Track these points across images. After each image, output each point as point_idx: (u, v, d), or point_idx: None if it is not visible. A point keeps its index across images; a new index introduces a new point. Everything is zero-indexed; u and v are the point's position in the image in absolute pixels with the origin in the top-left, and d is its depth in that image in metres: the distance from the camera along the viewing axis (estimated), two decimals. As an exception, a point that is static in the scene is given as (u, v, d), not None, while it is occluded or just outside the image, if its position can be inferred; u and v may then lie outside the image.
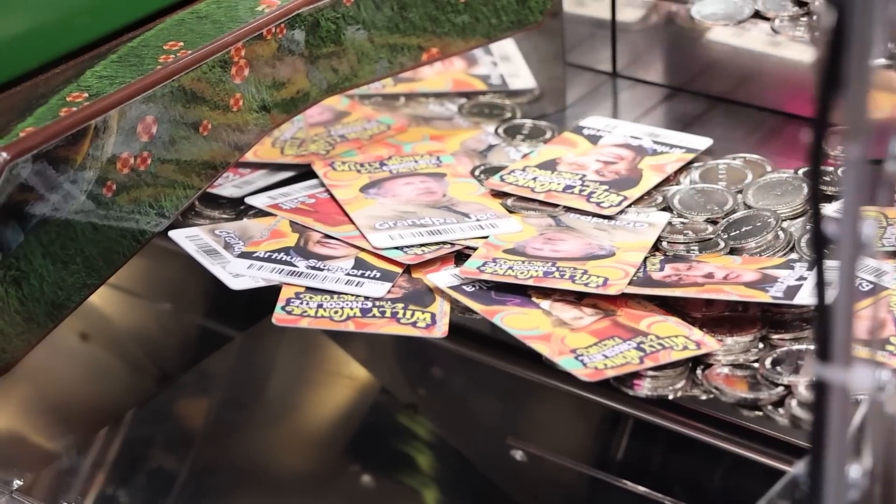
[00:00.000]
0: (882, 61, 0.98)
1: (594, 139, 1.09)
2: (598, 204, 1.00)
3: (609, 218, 0.99)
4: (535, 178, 1.03)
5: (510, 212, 1.01)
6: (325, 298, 0.92)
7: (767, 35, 1.09)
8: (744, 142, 1.10)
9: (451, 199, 1.02)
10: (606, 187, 1.02)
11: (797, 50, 1.08)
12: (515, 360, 0.95)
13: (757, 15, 1.11)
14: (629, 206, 1.00)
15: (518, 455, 1.03)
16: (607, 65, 1.21)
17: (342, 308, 0.91)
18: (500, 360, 0.97)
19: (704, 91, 1.16)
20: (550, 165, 1.05)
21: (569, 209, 1.00)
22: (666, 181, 1.04)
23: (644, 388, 0.85)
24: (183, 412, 1.16)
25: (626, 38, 1.19)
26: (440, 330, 0.89)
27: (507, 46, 1.23)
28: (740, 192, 1.02)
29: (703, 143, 1.07)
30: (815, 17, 1.05)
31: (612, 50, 1.20)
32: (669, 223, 0.98)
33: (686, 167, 1.05)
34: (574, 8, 1.21)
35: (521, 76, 1.21)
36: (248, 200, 1.04)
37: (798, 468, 0.61)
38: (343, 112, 1.15)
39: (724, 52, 1.13)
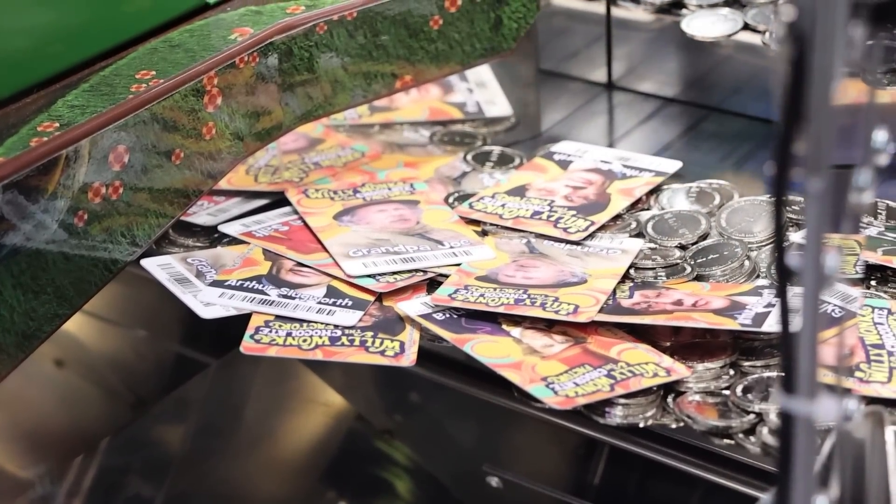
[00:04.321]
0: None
1: (564, 164, 1.09)
2: (565, 229, 1.00)
3: (577, 244, 0.99)
4: (503, 205, 1.03)
5: (484, 236, 1.01)
6: (295, 327, 0.92)
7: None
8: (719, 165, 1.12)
9: (425, 227, 1.02)
10: (574, 212, 1.02)
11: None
12: (491, 387, 0.95)
13: (747, 27, 1.13)
14: (596, 230, 1.00)
15: (494, 482, 1.03)
16: (603, 76, 1.24)
17: (311, 336, 0.91)
18: (476, 387, 0.97)
19: (699, 101, 1.19)
20: (520, 192, 1.05)
21: (538, 235, 1.00)
22: (636, 204, 1.04)
23: (615, 415, 0.85)
24: (159, 439, 1.15)
25: (621, 51, 1.22)
26: (408, 359, 0.89)
27: (482, 72, 1.24)
28: (712, 214, 1.02)
29: (672, 166, 1.08)
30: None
31: (608, 62, 1.22)
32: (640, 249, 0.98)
33: (656, 190, 1.06)
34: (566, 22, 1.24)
35: (498, 103, 1.21)
36: (222, 228, 1.04)
37: (766, 498, 0.61)
38: (317, 139, 1.15)
39: (715, 62, 1.16)
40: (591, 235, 1.00)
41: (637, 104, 1.21)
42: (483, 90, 1.23)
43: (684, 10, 1.17)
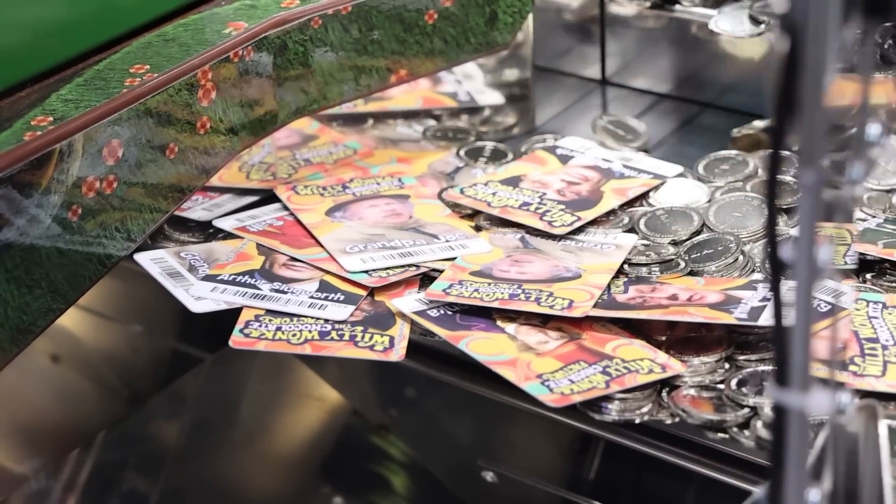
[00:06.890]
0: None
1: (565, 159, 1.09)
2: (549, 223, 1.00)
3: (563, 238, 0.99)
4: (494, 193, 1.03)
5: (478, 231, 1.01)
6: (285, 321, 0.92)
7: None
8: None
9: (418, 221, 1.02)
10: (563, 207, 1.02)
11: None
12: (486, 382, 0.95)
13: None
14: (581, 227, 1.00)
15: (489, 476, 1.03)
16: (596, 72, 1.24)
17: (301, 331, 0.91)
18: (471, 382, 0.97)
19: (693, 97, 1.19)
20: (514, 182, 1.05)
21: (520, 226, 1.00)
22: (627, 205, 1.03)
23: (611, 411, 0.85)
24: (154, 434, 1.15)
25: (615, 48, 1.22)
26: (397, 353, 0.89)
27: (467, 65, 1.23)
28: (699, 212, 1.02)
29: (672, 169, 1.07)
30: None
31: (602, 58, 1.22)
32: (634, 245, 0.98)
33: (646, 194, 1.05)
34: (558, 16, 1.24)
35: (487, 92, 1.21)
36: (216, 223, 1.04)
37: (760, 492, 0.60)
38: (311, 136, 1.15)
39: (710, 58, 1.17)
40: (583, 230, 1.00)
41: (631, 100, 1.21)
42: (470, 81, 1.23)
43: (701, 9, 1.17)
